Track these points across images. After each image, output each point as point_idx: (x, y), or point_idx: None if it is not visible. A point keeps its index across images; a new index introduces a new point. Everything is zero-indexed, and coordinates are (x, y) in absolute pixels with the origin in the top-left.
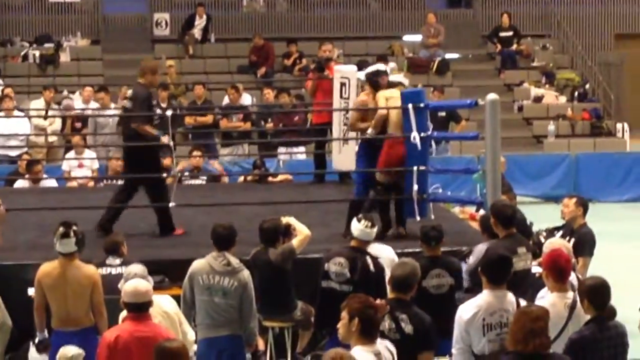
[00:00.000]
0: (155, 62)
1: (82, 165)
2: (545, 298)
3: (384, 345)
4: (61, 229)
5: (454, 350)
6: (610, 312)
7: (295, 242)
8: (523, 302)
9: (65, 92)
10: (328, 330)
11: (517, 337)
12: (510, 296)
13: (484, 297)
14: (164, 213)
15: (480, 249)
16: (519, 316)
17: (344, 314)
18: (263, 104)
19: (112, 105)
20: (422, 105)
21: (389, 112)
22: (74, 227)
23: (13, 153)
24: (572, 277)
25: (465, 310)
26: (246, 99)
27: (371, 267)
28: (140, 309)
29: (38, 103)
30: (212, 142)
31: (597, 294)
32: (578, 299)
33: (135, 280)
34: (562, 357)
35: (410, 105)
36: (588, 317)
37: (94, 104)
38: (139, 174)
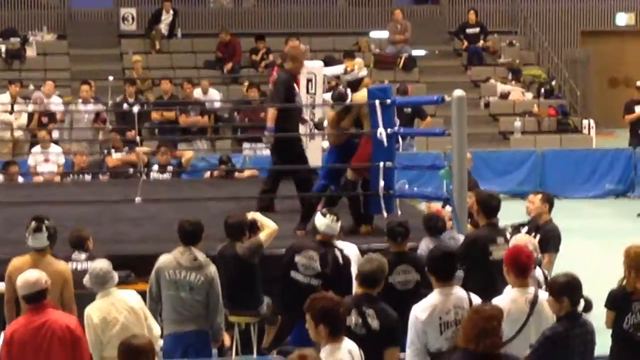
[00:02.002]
0: (299, 50)
1: (48, 160)
2: (507, 294)
3: (351, 342)
4: (33, 224)
5: (408, 351)
6: (586, 306)
7: (262, 236)
8: (474, 298)
9: (31, 87)
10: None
11: (468, 335)
12: (462, 292)
13: (437, 295)
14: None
15: (423, 245)
16: (472, 314)
17: (309, 318)
18: (230, 100)
19: (92, 100)
20: (388, 101)
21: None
22: (46, 222)
23: None
24: (539, 274)
25: (421, 310)
26: (214, 95)
27: (340, 260)
28: (34, 299)
29: (3, 97)
30: (177, 138)
31: (572, 290)
32: (539, 294)
33: (25, 272)
34: (513, 357)
35: (377, 102)
36: (550, 312)
37: (56, 99)
38: (285, 157)
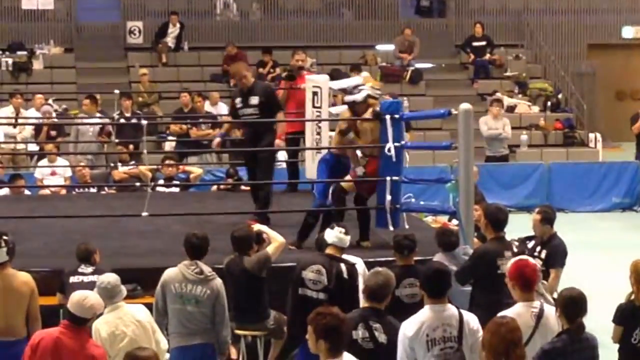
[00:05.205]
0: (235, 67)
1: (54, 173)
2: (512, 308)
3: (351, 357)
4: None
5: None
6: (579, 326)
7: (270, 249)
8: (466, 316)
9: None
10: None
11: (498, 349)
12: (453, 309)
13: (426, 312)
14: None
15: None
16: (497, 328)
17: (311, 330)
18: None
19: (97, 114)
20: (398, 116)
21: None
22: (4, 237)
23: None
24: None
25: (409, 327)
26: (222, 108)
27: (345, 274)
28: (78, 322)
29: (6, 110)
30: (188, 150)
31: (570, 305)
32: (545, 308)
33: (85, 292)
34: None
35: (387, 116)
36: (555, 326)
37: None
38: None
